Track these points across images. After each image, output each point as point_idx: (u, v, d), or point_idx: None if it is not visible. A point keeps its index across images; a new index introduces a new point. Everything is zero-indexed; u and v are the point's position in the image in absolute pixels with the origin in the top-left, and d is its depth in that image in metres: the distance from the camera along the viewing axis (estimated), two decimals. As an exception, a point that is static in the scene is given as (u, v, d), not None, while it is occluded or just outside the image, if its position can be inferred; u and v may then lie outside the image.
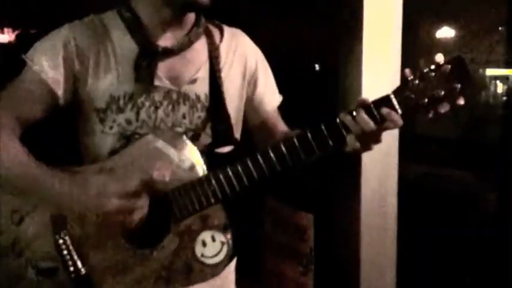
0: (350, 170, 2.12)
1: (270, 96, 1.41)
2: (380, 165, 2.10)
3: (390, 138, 2.10)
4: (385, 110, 1.07)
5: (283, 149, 1.13)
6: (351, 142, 1.10)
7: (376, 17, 2.00)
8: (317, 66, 2.72)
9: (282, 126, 1.41)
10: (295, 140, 1.13)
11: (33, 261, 1.17)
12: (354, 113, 1.09)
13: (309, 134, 1.12)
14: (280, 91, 1.46)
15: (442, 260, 2.42)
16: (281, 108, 1.45)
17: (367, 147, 1.12)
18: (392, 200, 2.15)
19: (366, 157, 2.07)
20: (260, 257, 2.64)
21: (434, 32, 2.72)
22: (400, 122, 1.08)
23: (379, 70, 2.00)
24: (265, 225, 2.60)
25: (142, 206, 1.13)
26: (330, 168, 2.15)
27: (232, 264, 1.40)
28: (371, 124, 1.07)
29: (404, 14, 2.03)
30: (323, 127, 1.11)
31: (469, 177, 2.47)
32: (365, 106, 1.08)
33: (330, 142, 1.11)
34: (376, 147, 2.02)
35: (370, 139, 1.11)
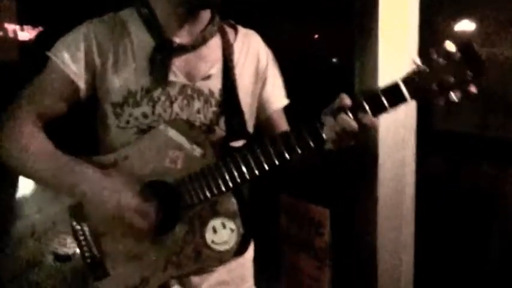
0: (366, 165, 2.11)
1: (277, 97, 1.44)
2: (397, 159, 2.09)
3: (407, 132, 2.09)
4: (360, 115, 1.08)
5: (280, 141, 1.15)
6: (331, 142, 1.11)
7: (392, 12, 1.99)
8: (333, 62, 2.72)
9: (284, 127, 1.43)
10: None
11: (51, 247, 1.22)
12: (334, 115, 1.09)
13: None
14: (297, 88, 1.48)
15: (461, 256, 2.39)
16: (297, 104, 1.47)
17: (344, 145, 1.13)
18: (409, 195, 2.14)
19: (383, 151, 2.07)
20: (277, 251, 2.65)
21: (453, 25, 2.68)
22: (374, 123, 1.09)
23: (395, 66, 1.99)
24: (281, 221, 2.61)
25: (155, 209, 1.18)
26: (346, 163, 2.15)
27: (250, 256, 1.42)
28: (353, 124, 1.08)
29: (421, 7, 2.02)
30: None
31: (492, 172, 2.43)
32: (373, 95, 1.08)
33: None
34: (393, 142, 2.04)
35: (349, 138, 1.11)
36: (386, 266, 2.13)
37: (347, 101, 1.09)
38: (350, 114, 1.09)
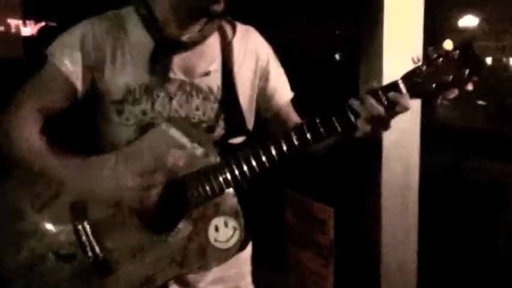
0: (371, 163, 2.10)
1: (282, 91, 1.43)
2: (401, 158, 2.08)
3: (411, 131, 2.08)
4: (392, 95, 1.08)
5: (292, 134, 1.15)
6: (361, 127, 1.11)
7: (398, 6, 1.98)
8: (338, 57, 2.71)
9: (295, 119, 1.42)
10: (304, 125, 1.15)
11: (53, 247, 1.21)
12: (363, 98, 1.10)
13: (317, 119, 1.14)
14: (302, 82, 1.47)
15: (464, 252, 2.37)
16: (302, 99, 1.46)
17: (376, 132, 1.12)
18: (413, 193, 2.13)
19: (387, 150, 2.06)
20: (282, 247, 2.65)
21: (459, 20, 2.67)
22: (409, 106, 1.08)
23: (400, 60, 1.97)
24: (287, 217, 2.60)
25: (157, 184, 1.16)
26: (351, 162, 2.14)
27: (248, 253, 1.43)
28: (379, 108, 1.08)
29: (426, 2, 2.01)
30: (331, 112, 1.13)
31: (496, 168, 2.42)
32: (373, 91, 1.09)
33: (338, 126, 1.12)
34: (398, 140, 2.04)
35: (378, 124, 1.11)
36: (390, 264, 2.13)
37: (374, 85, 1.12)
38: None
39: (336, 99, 1.16)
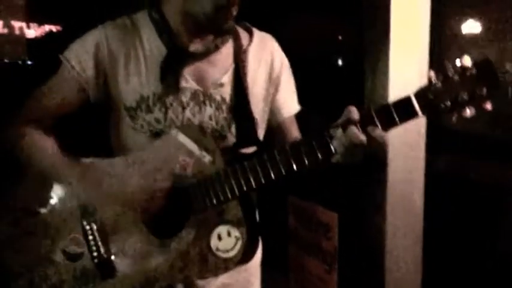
0: (375, 169, 2.09)
1: (289, 104, 1.42)
2: (406, 163, 2.07)
3: (417, 136, 2.06)
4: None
5: (301, 146, 1.12)
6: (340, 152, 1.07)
7: (404, 12, 1.96)
8: (343, 62, 2.70)
9: (295, 134, 1.41)
10: (312, 137, 1.11)
11: (62, 245, 1.23)
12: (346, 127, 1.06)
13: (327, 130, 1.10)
14: (307, 88, 1.46)
15: (471, 258, 2.35)
16: (308, 105, 1.46)
17: (353, 159, 1.09)
18: (418, 199, 2.12)
19: (392, 155, 2.05)
20: (286, 252, 2.64)
21: (464, 23, 2.65)
22: (384, 139, 1.05)
23: (406, 66, 1.97)
24: (290, 222, 2.59)
25: (163, 187, 1.18)
26: (355, 167, 2.12)
27: (257, 261, 1.42)
28: (361, 137, 1.04)
29: (432, 7, 1.99)
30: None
31: (499, 171, 2.40)
32: (384, 108, 1.05)
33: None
34: (403, 145, 2.01)
35: (358, 151, 1.07)
36: (394, 271, 2.12)
37: (355, 114, 1.06)
38: (359, 127, 1.05)
39: (342, 105, 1.13)
